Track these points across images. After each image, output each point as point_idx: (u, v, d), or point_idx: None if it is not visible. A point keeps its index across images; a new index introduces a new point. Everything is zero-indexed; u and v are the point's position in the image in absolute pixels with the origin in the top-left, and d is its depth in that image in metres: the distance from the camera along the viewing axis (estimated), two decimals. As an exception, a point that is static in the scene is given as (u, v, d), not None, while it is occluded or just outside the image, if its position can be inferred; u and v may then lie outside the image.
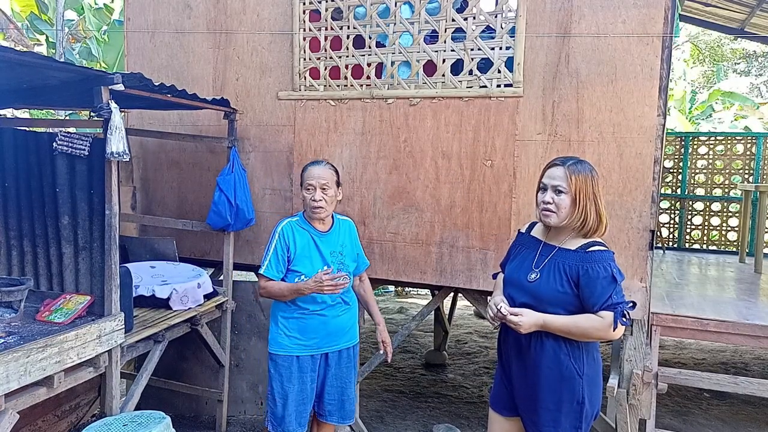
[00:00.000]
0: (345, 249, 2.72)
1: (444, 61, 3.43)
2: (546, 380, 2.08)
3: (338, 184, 2.70)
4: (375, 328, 2.88)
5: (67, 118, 7.98)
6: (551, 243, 2.16)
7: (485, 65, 3.38)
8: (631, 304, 2.06)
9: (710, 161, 6.45)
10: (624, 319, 2.02)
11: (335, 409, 2.76)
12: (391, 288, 8.79)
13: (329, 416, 2.77)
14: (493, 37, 3.33)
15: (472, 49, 3.37)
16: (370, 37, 3.57)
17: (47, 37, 9.87)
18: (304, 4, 3.70)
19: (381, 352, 2.87)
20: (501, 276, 2.35)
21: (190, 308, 3.33)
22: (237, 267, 3.83)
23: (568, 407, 2.07)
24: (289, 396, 2.64)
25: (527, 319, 2.03)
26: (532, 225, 2.32)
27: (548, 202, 2.08)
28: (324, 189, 2.60)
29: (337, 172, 2.72)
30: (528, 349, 2.12)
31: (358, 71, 3.64)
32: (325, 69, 3.69)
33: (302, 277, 2.60)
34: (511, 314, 2.04)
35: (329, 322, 2.66)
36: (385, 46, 3.56)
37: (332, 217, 2.74)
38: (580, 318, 2.03)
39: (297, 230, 2.66)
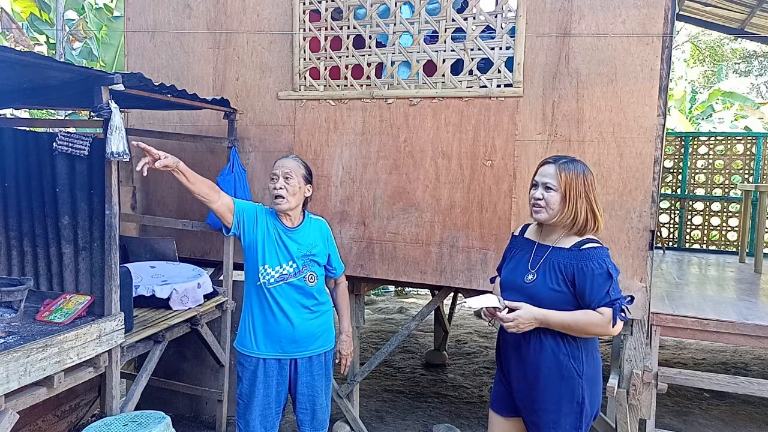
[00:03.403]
0: (315, 249, 2.59)
1: (444, 61, 3.43)
2: (545, 381, 2.08)
3: (307, 180, 2.57)
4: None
5: (67, 118, 7.98)
6: (545, 243, 2.16)
7: (485, 65, 3.38)
8: (629, 299, 2.06)
9: (710, 161, 6.45)
10: (623, 315, 2.02)
11: (307, 419, 2.65)
12: (391, 288, 8.79)
13: (302, 426, 2.67)
14: (493, 37, 3.33)
15: (472, 49, 3.37)
16: (370, 37, 3.57)
17: (47, 37, 9.87)
18: (304, 4, 3.70)
19: (337, 362, 2.74)
20: (499, 280, 2.36)
21: (190, 308, 3.33)
22: (237, 267, 3.81)
23: (568, 408, 2.07)
24: (254, 399, 2.56)
25: (524, 312, 2.04)
26: (525, 227, 2.33)
27: (538, 199, 2.11)
28: (287, 178, 2.49)
29: (307, 167, 2.60)
30: (527, 350, 2.12)
31: (358, 71, 3.64)
32: (325, 69, 3.69)
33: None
34: (509, 309, 2.06)
35: (297, 327, 2.54)
36: (385, 46, 3.56)
37: (304, 214, 2.64)
38: (579, 314, 2.03)
39: (268, 216, 2.57)
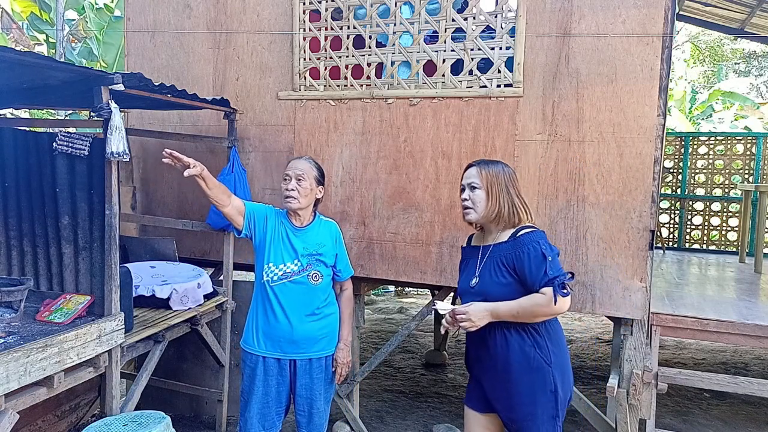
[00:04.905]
0: (323, 249, 2.60)
1: (444, 61, 3.43)
2: (517, 375, 2.13)
3: (319, 181, 2.59)
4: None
5: (67, 118, 7.98)
6: (487, 244, 2.26)
7: (485, 65, 3.38)
8: (569, 276, 2.11)
9: (710, 161, 6.45)
10: (564, 291, 2.06)
11: (304, 421, 2.65)
12: (391, 288, 8.78)
13: (299, 427, 2.67)
14: (493, 37, 3.33)
15: (472, 49, 3.37)
16: (370, 37, 3.57)
17: (47, 36, 9.87)
18: (304, 4, 3.70)
19: (333, 369, 2.70)
20: None
21: (190, 308, 3.33)
22: (237, 267, 3.83)
23: (542, 398, 2.12)
24: (253, 397, 2.58)
25: (474, 308, 2.12)
26: (471, 237, 2.43)
27: (465, 199, 2.24)
28: (299, 180, 2.51)
29: (320, 169, 2.62)
30: (495, 348, 2.17)
31: (358, 71, 3.64)
32: (325, 69, 3.69)
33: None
34: (458, 312, 2.12)
35: (295, 328, 2.54)
36: (385, 46, 3.56)
37: (314, 215, 2.65)
38: (523, 299, 2.10)
39: (278, 217, 2.61)
